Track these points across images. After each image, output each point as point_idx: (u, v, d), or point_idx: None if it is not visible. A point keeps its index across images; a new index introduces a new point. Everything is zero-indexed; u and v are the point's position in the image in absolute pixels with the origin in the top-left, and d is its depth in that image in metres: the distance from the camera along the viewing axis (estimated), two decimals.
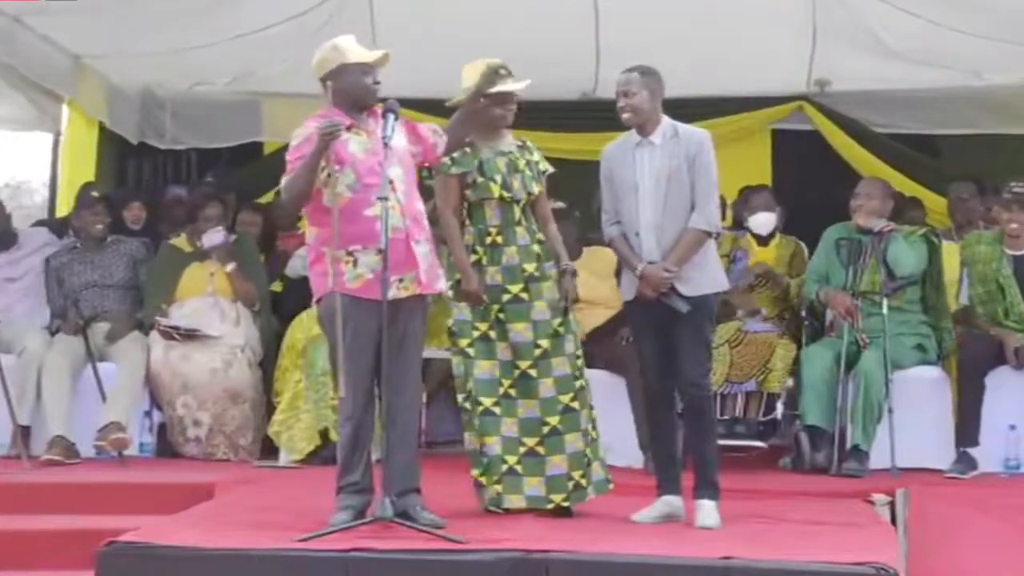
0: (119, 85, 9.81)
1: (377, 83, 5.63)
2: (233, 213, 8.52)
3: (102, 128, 9.93)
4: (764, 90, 9.66)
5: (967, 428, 7.08)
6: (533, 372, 5.95)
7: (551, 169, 6.24)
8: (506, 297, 5.99)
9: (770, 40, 8.91)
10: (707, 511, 5.75)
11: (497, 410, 5.93)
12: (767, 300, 7.74)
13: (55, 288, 8.03)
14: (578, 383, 5.99)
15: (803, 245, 7.88)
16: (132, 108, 9.98)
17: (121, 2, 8.41)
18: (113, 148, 10.13)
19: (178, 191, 9.54)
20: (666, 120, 5.91)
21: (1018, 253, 7.32)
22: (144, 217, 9.32)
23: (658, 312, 5.81)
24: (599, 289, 7.41)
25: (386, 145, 5.48)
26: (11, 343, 7.76)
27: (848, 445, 7.04)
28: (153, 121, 10.12)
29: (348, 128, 5.54)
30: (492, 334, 5.97)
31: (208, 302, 7.85)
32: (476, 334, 5.97)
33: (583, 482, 5.96)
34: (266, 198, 9.28)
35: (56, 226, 8.88)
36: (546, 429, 5.94)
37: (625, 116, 5.88)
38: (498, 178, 6.01)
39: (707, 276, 5.88)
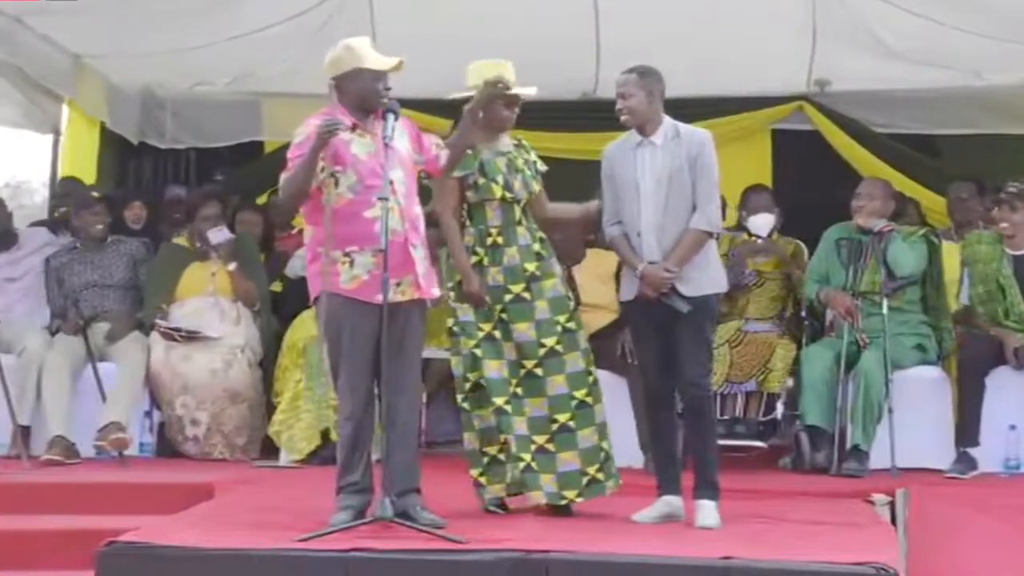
0: (119, 85, 9.81)
1: (388, 89, 5.63)
2: (233, 213, 8.51)
3: (102, 128, 9.93)
4: (764, 90, 9.65)
5: (967, 428, 7.08)
6: (539, 371, 5.96)
7: (544, 168, 6.24)
8: (508, 297, 5.99)
9: (770, 40, 8.90)
10: (707, 511, 5.75)
11: (509, 408, 5.92)
12: (766, 300, 7.74)
13: (55, 288, 8.03)
14: (591, 378, 5.99)
15: (803, 245, 7.88)
16: (132, 108, 9.98)
17: (121, 2, 8.41)
18: (113, 148, 10.12)
19: (178, 191, 9.55)
20: (667, 120, 5.91)
21: (1018, 253, 7.32)
22: (145, 216, 9.33)
23: (658, 312, 5.81)
24: (601, 292, 7.41)
25: (386, 145, 5.48)
26: (11, 343, 7.76)
27: (848, 445, 7.04)
28: (153, 121, 10.12)
29: (352, 129, 5.54)
30: (497, 334, 5.98)
31: (208, 302, 7.85)
32: (481, 334, 5.97)
33: (599, 476, 5.96)
34: (261, 198, 9.28)
35: (52, 224, 8.89)
36: (555, 426, 5.94)
37: (623, 118, 5.88)
38: (500, 179, 6.01)
39: (708, 276, 5.89)
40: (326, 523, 5.38)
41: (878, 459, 6.98)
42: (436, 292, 5.74)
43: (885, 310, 7.18)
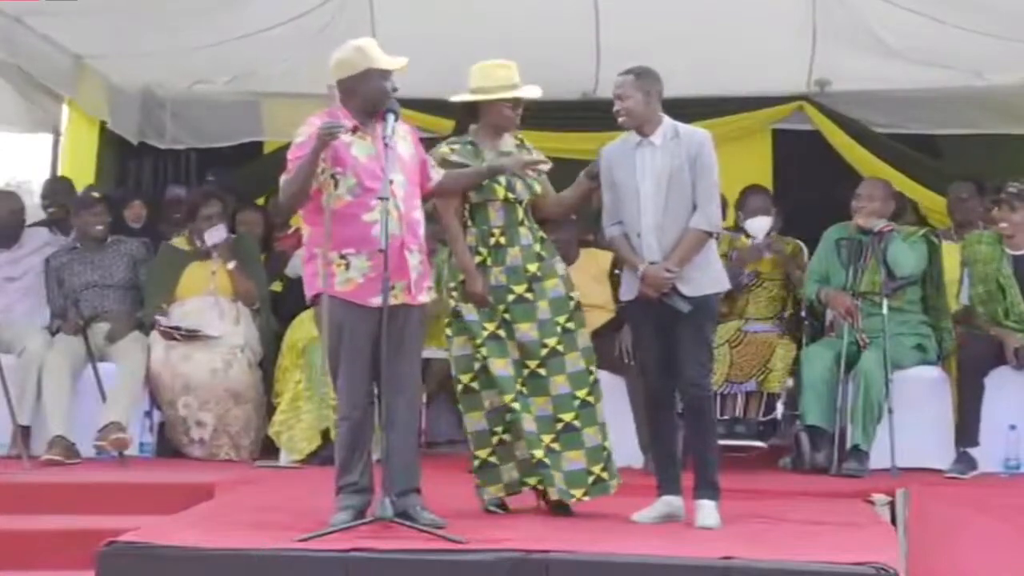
0: (119, 85, 9.81)
1: (395, 89, 5.63)
2: (232, 213, 8.51)
3: (102, 128, 9.92)
4: (764, 90, 9.65)
5: (967, 428, 7.08)
6: (542, 371, 5.96)
7: (549, 165, 6.24)
8: (511, 297, 6.00)
9: (770, 40, 8.90)
10: (707, 511, 5.75)
11: (517, 406, 5.92)
12: (766, 300, 7.74)
13: (55, 288, 8.02)
14: (591, 377, 6.00)
15: (803, 245, 7.88)
16: (132, 108, 9.98)
17: (121, 2, 8.41)
18: (113, 148, 10.12)
19: (178, 191, 9.54)
20: (667, 120, 5.91)
21: (1018, 253, 7.32)
22: (145, 216, 9.33)
23: (659, 312, 5.81)
24: (596, 291, 7.41)
25: (386, 145, 5.48)
26: (11, 343, 7.76)
27: (848, 445, 7.04)
28: (153, 121, 10.12)
29: (353, 131, 5.54)
30: (501, 333, 5.98)
31: (208, 301, 7.85)
32: (486, 333, 5.96)
33: (604, 475, 5.97)
34: (261, 199, 9.28)
35: (57, 223, 8.89)
36: (560, 425, 5.95)
37: (621, 119, 5.88)
38: (502, 179, 6.01)
39: (709, 276, 5.89)
40: (326, 523, 5.38)
41: (878, 459, 6.98)
42: (423, 299, 5.70)
43: (885, 310, 7.18)
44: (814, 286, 7.50)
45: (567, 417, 5.95)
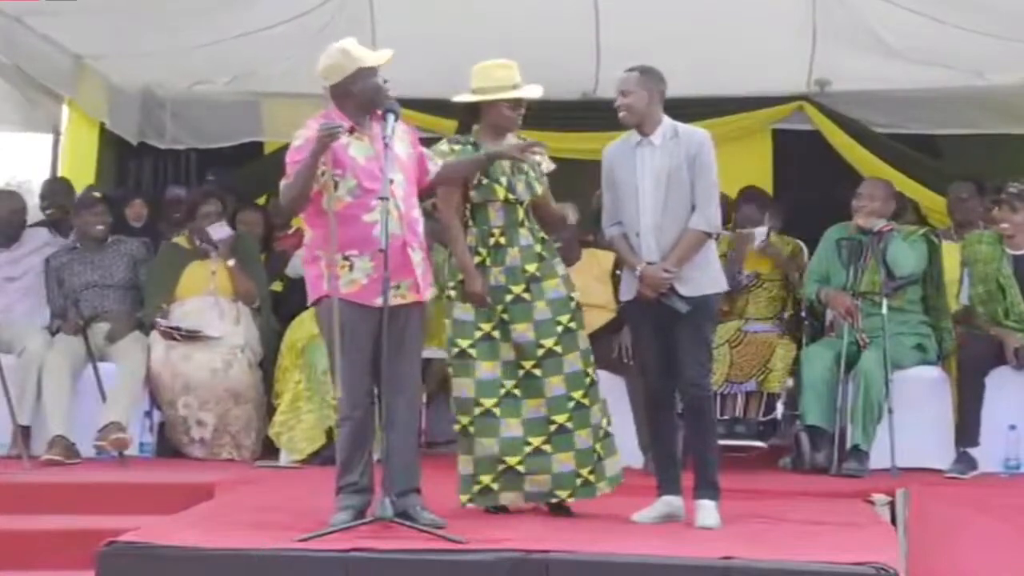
0: (119, 85, 9.81)
1: (386, 82, 5.64)
2: (232, 213, 8.51)
3: (102, 128, 9.92)
4: (764, 90, 9.65)
5: (967, 428, 7.08)
6: (537, 372, 5.96)
7: (552, 166, 6.24)
8: (509, 297, 6.00)
9: (770, 40, 8.90)
10: (707, 511, 5.75)
11: (497, 411, 5.92)
12: (765, 300, 7.74)
13: (55, 288, 8.02)
14: (588, 379, 5.99)
15: (802, 245, 7.88)
16: (132, 108, 9.98)
17: (121, 2, 8.40)
18: (113, 148, 10.12)
19: (178, 191, 9.54)
20: (667, 120, 5.91)
21: (1018, 253, 7.32)
22: (146, 215, 9.33)
23: (658, 312, 5.81)
24: (597, 291, 7.41)
25: (386, 145, 5.48)
26: (11, 343, 7.76)
27: (848, 445, 7.04)
28: (153, 121, 10.11)
29: (350, 132, 5.54)
30: (496, 334, 5.97)
31: (208, 301, 7.84)
32: (479, 334, 5.96)
33: (591, 478, 5.96)
34: (261, 199, 9.28)
35: (55, 223, 8.89)
36: (553, 427, 5.94)
37: (621, 115, 5.89)
38: (503, 180, 6.01)
39: (708, 276, 5.89)
40: (326, 523, 5.38)
41: (878, 459, 6.98)
42: (429, 295, 5.74)
43: (885, 310, 7.18)
44: (814, 286, 7.50)
45: (560, 419, 5.94)
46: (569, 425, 5.94)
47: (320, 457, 7.28)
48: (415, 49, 8.13)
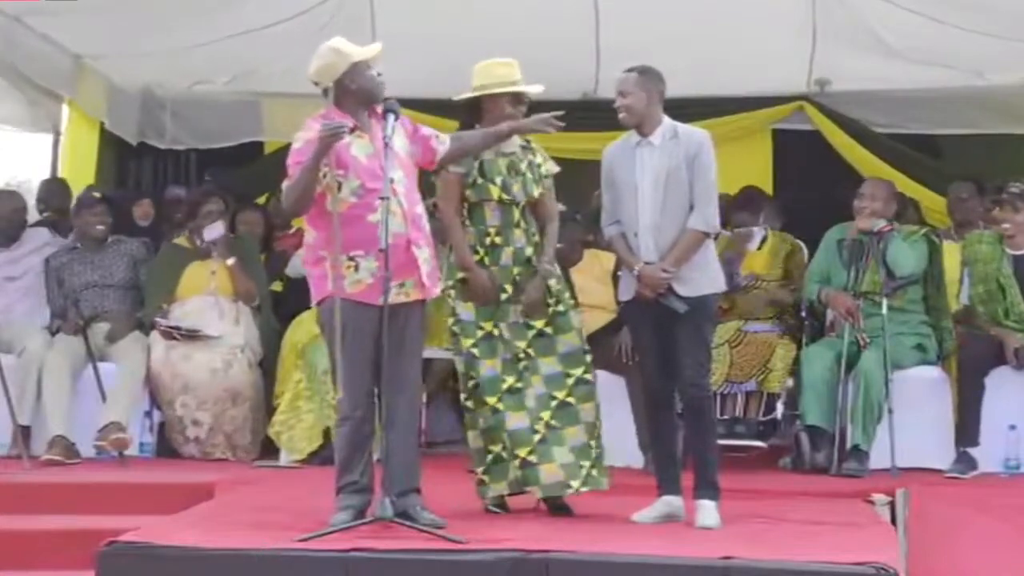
0: (119, 85, 9.81)
1: (380, 75, 5.63)
2: (233, 213, 8.51)
3: (102, 128, 9.92)
4: (764, 90, 9.66)
5: (967, 428, 7.08)
6: (529, 367, 5.99)
7: (556, 169, 6.25)
8: (503, 296, 6.03)
9: (770, 40, 8.91)
10: (707, 511, 5.75)
11: (501, 407, 5.92)
12: (764, 301, 7.73)
13: (55, 288, 8.02)
14: (569, 380, 5.98)
15: (802, 245, 7.87)
16: (132, 108, 9.98)
17: (121, 2, 8.40)
18: (113, 148, 10.12)
19: (178, 191, 9.54)
20: (667, 121, 5.91)
21: (1019, 253, 7.32)
22: (153, 215, 9.34)
23: (657, 312, 5.81)
24: (598, 292, 7.42)
25: (387, 145, 5.48)
26: (11, 343, 7.76)
27: (848, 445, 7.04)
28: (153, 121, 10.12)
29: (351, 130, 5.53)
30: (496, 332, 5.98)
31: (209, 301, 7.84)
32: (480, 333, 5.97)
33: (594, 472, 5.96)
34: (262, 200, 9.28)
35: (52, 224, 8.89)
36: (554, 403, 5.96)
37: (621, 116, 5.89)
38: (498, 180, 6.02)
39: (707, 276, 5.89)
40: (326, 523, 5.38)
41: (878, 459, 6.98)
42: (437, 291, 5.76)
43: (885, 310, 7.18)
44: (815, 287, 7.49)
45: (560, 394, 5.96)
46: (555, 423, 5.94)
47: (319, 457, 7.28)
48: (415, 49, 8.16)
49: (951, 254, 7.55)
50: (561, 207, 6.48)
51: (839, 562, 4.92)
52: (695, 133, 5.93)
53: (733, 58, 9.00)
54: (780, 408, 7.33)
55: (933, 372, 7.36)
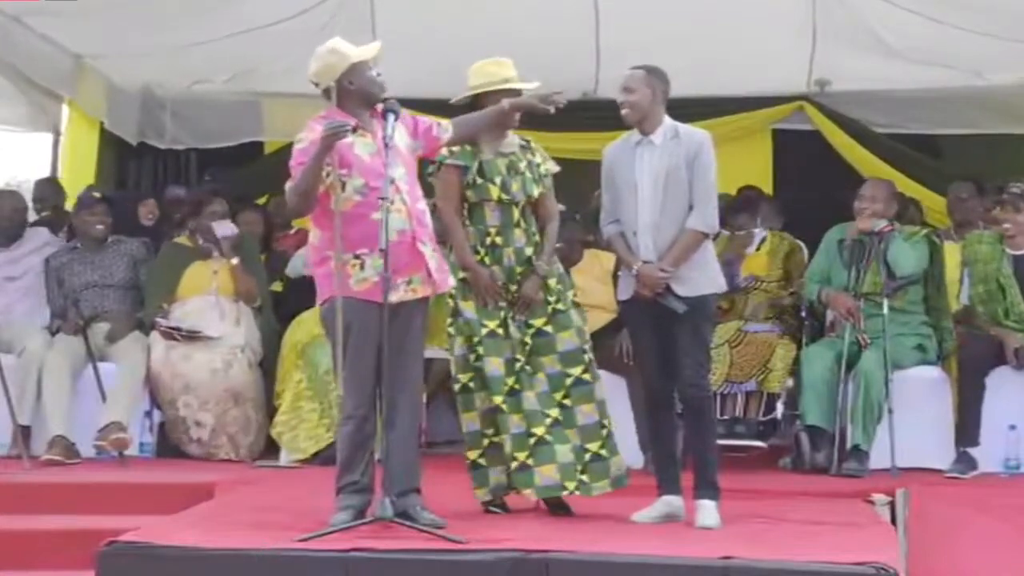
0: (119, 85, 9.81)
1: (379, 75, 5.64)
2: (233, 213, 8.50)
3: (102, 128, 9.93)
4: (764, 90, 9.66)
5: (967, 428, 7.07)
6: (528, 368, 5.98)
7: (556, 169, 6.24)
8: (507, 295, 6.02)
9: (770, 40, 8.91)
10: (707, 511, 5.75)
11: (505, 407, 5.92)
12: (764, 302, 7.72)
13: (55, 288, 8.01)
14: (568, 380, 5.98)
15: (801, 244, 7.87)
16: (132, 108, 9.98)
17: (121, 2, 8.41)
18: (113, 148, 10.13)
19: (178, 191, 9.54)
20: (668, 121, 5.91)
21: (1019, 253, 7.32)
22: (158, 214, 9.35)
23: (656, 312, 5.81)
24: (599, 292, 7.42)
25: (387, 145, 5.48)
26: (11, 343, 7.76)
27: (848, 445, 7.03)
28: (153, 121, 10.12)
29: (354, 130, 5.53)
30: (500, 331, 5.99)
31: (210, 301, 7.84)
32: (484, 331, 5.97)
33: (584, 478, 5.95)
34: (262, 200, 9.27)
35: (48, 223, 8.90)
36: (549, 420, 5.94)
37: (624, 112, 5.89)
38: (497, 180, 6.02)
39: (706, 276, 5.89)
40: (326, 523, 5.38)
41: (878, 459, 6.98)
42: (451, 283, 5.77)
43: (886, 311, 7.17)
44: (815, 287, 7.49)
45: (553, 413, 5.94)
46: (561, 419, 5.94)
47: (320, 457, 7.28)
48: (415, 48, 8.17)
49: (951, 254, 7.55)
50: (560, 207, 6.48)
51: (839, 562, 4.91)
52: (696, 133, 5.93)
53: (733, 58, 9.00)
54: (780, 408, 7.32)
55: (933, 372, 7.35)
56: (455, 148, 6.03)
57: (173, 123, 10.14)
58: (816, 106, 9.64)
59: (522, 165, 6.09)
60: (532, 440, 5.91)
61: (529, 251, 6.06)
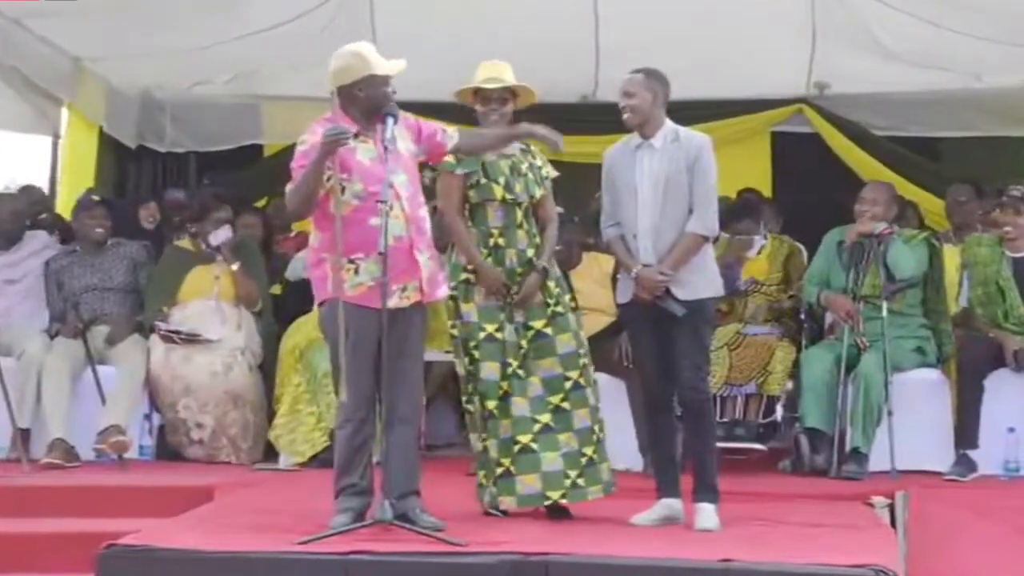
0: (118, 87, 9.80)
1: (394, 92, 5.62)
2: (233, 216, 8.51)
3: (101, 131, 9.92)
4: (764, 92, 9.67)
5: (966, 430, 7.07)
6: (521, 372, 5.97)
7: (555, 173, 6.25)
8: (508, 296, 6.02)
9: (770, 41, 8.91)
10: (706, 514, 5.75)
11: (497, 412, 5.93)
12: (763, 304, 7.72)
13: (55, 291, 8.01)
14: (567, 383, 5.98)
15: (801, 247, 7.87)
16: (131, 111, 9.97)
17: (121, 4, 8.40)
18: (113, 151, 10.11)
19: (177, 194, 9.53)
20: (668, 124, 5.92)
21: (1018, 255, 7.32)
22: (159, 218, 9.35)
23: (655, 315, 5.82)
24: (598, 295, 7.42)
25: (386, 148, 5.48)
26: (11, 346, 7.75)
27: (848, 447, 7.03)
28: (152, 124, 10.11)
29: (355, 136, 5.53)
30: (499, 335, 5.98)
31: (210, 305, 7.83)
32: (482, 335, 5.97)
33: (580, 482, 5.94)
34: (261, 203, 9.27)
35: (47, 225, 8.89)
36: (537, 427, 5.93)
37: (625, 116, 5.89)
38: (501, 180, 6.03)
39: (705, 280, 5.89)
40: (326, 526, 5.38)
41: (877, 461, 6.97)
42: (440, 294, 5.75)
43: (885, 313, 7.17)
44: (814, 289, 7.49)
45: (544, 419, 5.94)
46: (553, 425, 5.94)
47: (319, 460, 7.28)
48: (415, 50, 8.13)
49: (950, 257, 7.56)
50: (559, 210, 6.49)
51: (838, 564, 4.92)
52: (696, 137, 5.94)
53: (733, 60, 9.01)
54: (780, 411, 7.32)
55: (932, 375, 7.35)
56: (463, 158, 6.02)
57: (172, 126, 10.14)
58: (815, 109, 9.65)
59: (524, 167, 6.10)
60: (516, 448, 5.90)
61: (531, 253, 6.06)
